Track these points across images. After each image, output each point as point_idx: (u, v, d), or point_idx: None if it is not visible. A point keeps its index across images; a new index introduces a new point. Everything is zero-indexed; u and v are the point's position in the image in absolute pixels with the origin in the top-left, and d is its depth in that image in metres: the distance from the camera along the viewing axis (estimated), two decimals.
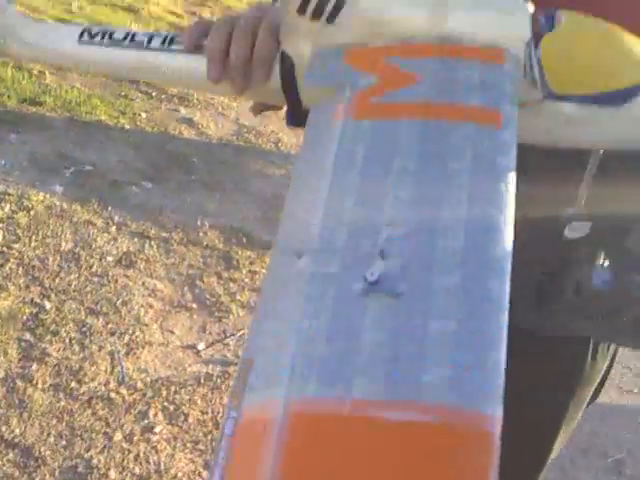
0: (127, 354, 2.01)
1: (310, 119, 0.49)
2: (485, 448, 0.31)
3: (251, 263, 2.69)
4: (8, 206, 2.50)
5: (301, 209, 0.41)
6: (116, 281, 2.32)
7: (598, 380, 0.96)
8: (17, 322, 1.97)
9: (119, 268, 2.40)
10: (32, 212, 2.52)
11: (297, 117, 0.54)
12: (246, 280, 2.56)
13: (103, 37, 0.65)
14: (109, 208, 2.75)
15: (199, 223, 2.86)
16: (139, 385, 1.91)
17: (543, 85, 0.50)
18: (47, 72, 3.98)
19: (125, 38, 0.65)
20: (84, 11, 5.50)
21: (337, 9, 0.49)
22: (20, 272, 2.18)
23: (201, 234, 2.80)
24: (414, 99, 0.45)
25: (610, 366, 1.00)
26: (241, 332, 2.24)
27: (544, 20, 0.50)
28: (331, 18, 0.50)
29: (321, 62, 0.50)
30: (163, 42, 0.64)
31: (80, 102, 3.77)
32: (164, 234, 2.71)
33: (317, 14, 0.50)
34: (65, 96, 3.75)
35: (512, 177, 0.41)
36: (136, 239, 2.61)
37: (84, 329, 2.04)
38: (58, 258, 2.33)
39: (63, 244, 2.41)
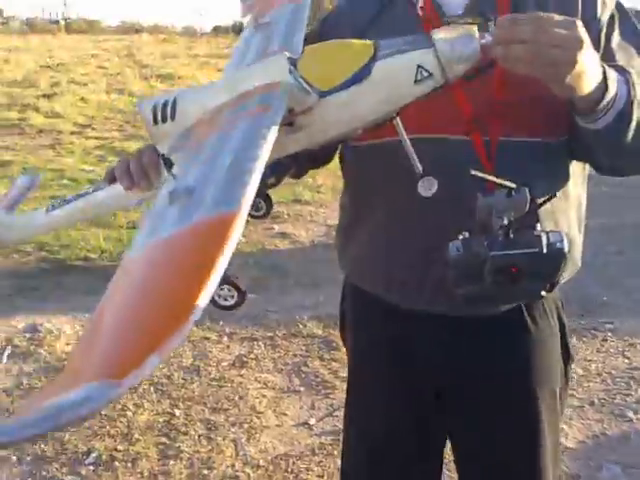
0: (248, 439, 2.28)
1: None
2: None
3: None
4: None
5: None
6: (232, 381, 2.64)
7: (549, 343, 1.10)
8: (153, 430, 2.32)
9: (234, 370, 2.73)
10: None
11: None
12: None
13: (61, 202, 1.02)
14: (220, 323, 3.13)
15: (298, 317, 3.16)
16: (261, 463, 2.16)
17: (314, 90, 0.76)
18: None
19: (75, 196, 1.02)
20: None
21: (173, 109, 0.82)
22: (152, 390, 2.56)
23: (301, 326, 3.09)
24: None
25: (561, 325, 1.14)
26: None
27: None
28: (172, 115, 0.82)
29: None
30: (95, 188, 1.01)
31: None
32: (269, 334, 3.03)
33: (164, 119, 0.83)
34: None
35: (272, 130, 0.69)
36: (245, 343, 2.96)
37: (209, 425, 2.35)
38: (182, 372, 2.70)
39: (184, 360, 2.79)
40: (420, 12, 1.02)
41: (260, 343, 2.95)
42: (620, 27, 1.02)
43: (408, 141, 0.86)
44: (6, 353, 2.82)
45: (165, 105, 0.83)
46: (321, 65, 0.78)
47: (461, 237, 0.86)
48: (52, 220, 1.03)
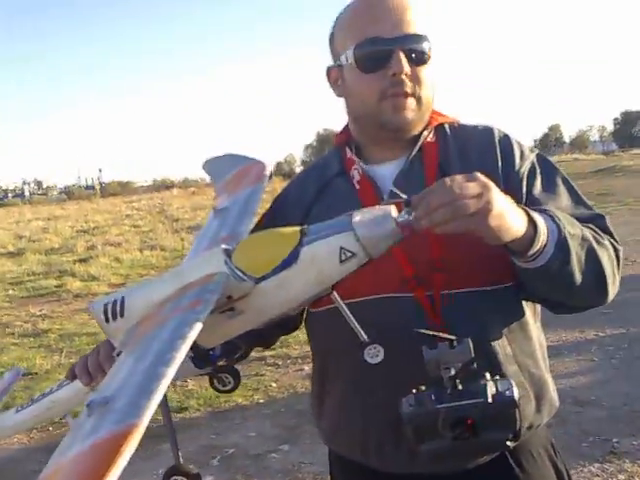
0: None
1: None
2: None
3: None
4: None
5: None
6: None
7: None
8: None
9: None
10: None
11: None
12: None
13: (29, 403, 1.07)
14: (255, 479, 3.02)
15: None
16: None
17: (249, 277, 0.81)
18: (188, 380, 4.60)
19: (41, 395, 1.07)
20: None
21: (122, 307, 0.87)
22: None
23: None
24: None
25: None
26: None
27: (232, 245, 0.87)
28: (122, 313, 0.87)
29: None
30: (59, 386, 1.05)
31: (219, 394, 4.26)
32: None
33: (114, 316, 0.87)
34: (205, 394, 4.28)
35: (195, 327, 0.72)
36: None
37: None
38: None
39: None
40: (357, 186, 1.09)
41: None
42: (542, 175, 1.07)
43: (348, 312, 0.89)
44: None
45: (114, 304, 0.88)
46: (253, 254, 0.84)
47: (414, 391, 0.86)
48: (21, 420, 1.06)
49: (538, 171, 1.08)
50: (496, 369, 0.95)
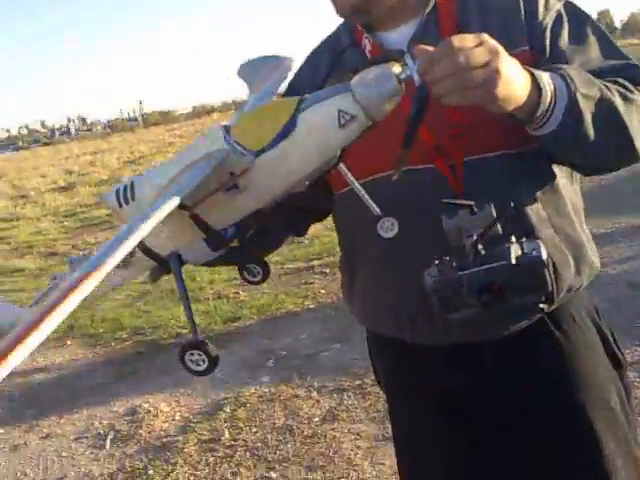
0: None
1: None
2: None
3: None
4: (229, 407, 2.97)
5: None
6: (325, 437, 2.60)
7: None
8: None
9: (326, 425, 2.69)
10: (248, 405, 2.96)
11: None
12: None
13: (41, 297, 1.03)
14: (308, 378, 3.11)
15: None
16: None
17: (249, 151, 0.77)
18: (240, 291, 4.72)
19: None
20: None
21: (132, 191, 0.85)
22: (247, 456, 2.56)
23: None
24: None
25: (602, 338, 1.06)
26: None
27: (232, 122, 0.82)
28: (132, 197, 0.84)
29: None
30: None
31: (270, 303, 4.37)
32: (357, 382, 2.98)
33: (126, 201, 0.84)
34: (257, 303, 4.38)
35: (173, 200, 0.72)
36: (335, 395, 2.91)
37: None
38: (275, 434, 2.69)
39: (277, 421, 2.78)
40: (369, 55, 1.03)
41: (349, 393, 2.90)
42: (569, 24, 0.98)
43: (357, 185, 0.85)
44: (109, 438, 2.92)
45: (125, 189, 0.86)
46: (252, 127, 0.80)
47: (436, 262, 0.83)
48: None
49: (565, 19, 0.98)
50: (530, 233, 0.90)
